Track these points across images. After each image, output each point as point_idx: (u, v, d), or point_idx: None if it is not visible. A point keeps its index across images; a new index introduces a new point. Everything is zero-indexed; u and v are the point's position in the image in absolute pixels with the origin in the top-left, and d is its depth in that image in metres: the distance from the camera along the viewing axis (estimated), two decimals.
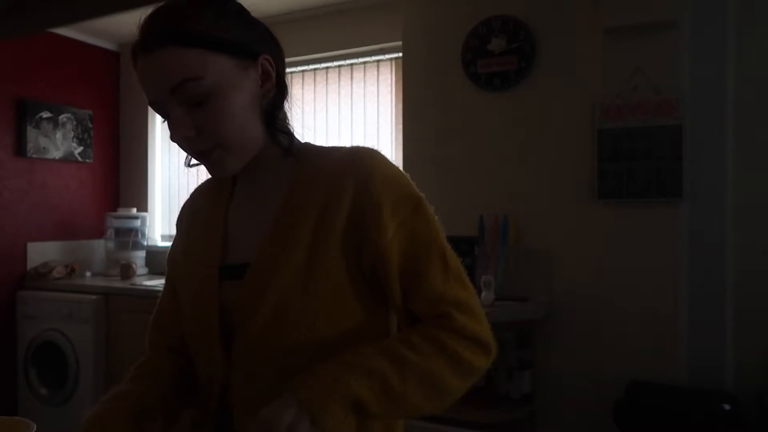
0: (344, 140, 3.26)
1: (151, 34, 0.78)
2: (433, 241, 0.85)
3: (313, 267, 0.82)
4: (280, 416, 0.72)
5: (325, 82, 3.34)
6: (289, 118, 0.94)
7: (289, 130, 0.90)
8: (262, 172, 0.90)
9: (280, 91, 0.88)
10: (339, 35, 3.22)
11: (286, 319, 0.83)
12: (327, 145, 0.93)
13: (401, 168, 0.89)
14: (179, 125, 0.80)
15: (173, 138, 0.82)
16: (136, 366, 0.98)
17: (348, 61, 3.25)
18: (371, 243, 0.82)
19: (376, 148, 0.88)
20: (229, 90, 0.80)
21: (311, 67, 3.36)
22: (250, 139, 0.84)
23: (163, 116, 0.83)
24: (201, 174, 0.91)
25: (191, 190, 1.06)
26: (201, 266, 0.91)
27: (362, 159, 0.85)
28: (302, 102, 3.39)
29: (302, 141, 0.94)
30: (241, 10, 0.86)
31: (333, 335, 0.84)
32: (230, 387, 0.88)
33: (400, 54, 2.92)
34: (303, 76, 3.40)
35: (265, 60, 0.85)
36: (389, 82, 3.14)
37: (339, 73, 3.30)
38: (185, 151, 0.85)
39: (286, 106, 0.93)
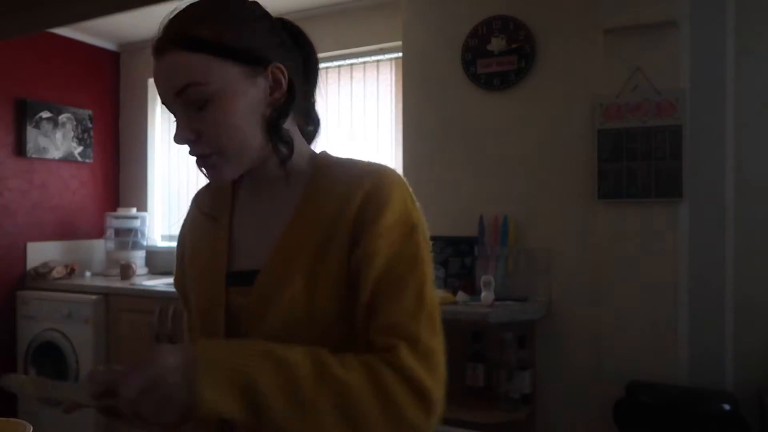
0: (344, 140, 3.26)
1: (163, 37, 0.80)
2: (417, 270, 0.81)
3: (317, 280, 0.82)
4: (165, 358, 0.71)
5: (325, 82, 3.34)
6: (319, 127, 0.96)
7: (290, 140, 0.87)
8: (272, 180, 0.90)
9: (288, 101, 0.86)
10: (339, 35, 3.22)
11: (293, 328, 0.82)
12: (345, 157, 0.91)
13: (402, 170, 0.89)
14: (181, 129, 0.81)
15: (175, 140, 0.83)
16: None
17: (348, 61, 3.26)
18: (357, 252, 0.81)
19: (393, 168, 0.87)
20: (232, 97, 0.80)
21: None
22: (249, 147, 0.83)
23: (174, 116, 0.85)
24: (205, 173, 0.91)
25: (191, 191, 1.06)
26: (208, 273, 0.91)
27: (375, 175, 0.84)
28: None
29: (318, 151, 0.93)
30: (263, 16, 0.85)
31: (339, 348, 0.81)
32: None
33: (400, 54, 2.92)
34: None
35: (277, 69, 0.83)
36: (389, 82, 3.14)
37: (339, 73, 3.30)
38: (190, 153, 0.86)
39: (319, 111, 0.94)
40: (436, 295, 0.83)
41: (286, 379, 0.71)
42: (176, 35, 0.79)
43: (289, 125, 0.88)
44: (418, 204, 0.86)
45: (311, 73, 0.92)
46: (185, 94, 0.79)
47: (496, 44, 2.61)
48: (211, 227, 0.94)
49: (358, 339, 0.81)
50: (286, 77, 0.84)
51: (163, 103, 0.83)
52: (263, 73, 0.82)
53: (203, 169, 0.85)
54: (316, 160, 0.90)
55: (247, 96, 0.81)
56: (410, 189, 0.86)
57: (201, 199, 1.01)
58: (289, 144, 0.87)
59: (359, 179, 0.83)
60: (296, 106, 0.87)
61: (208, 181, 0.96)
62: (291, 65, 0.86)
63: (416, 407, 0.73)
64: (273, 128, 0.85)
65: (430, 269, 0.83)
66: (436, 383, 0.76)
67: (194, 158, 0.86)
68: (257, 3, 0.86)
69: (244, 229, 0.92)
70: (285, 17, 0.96)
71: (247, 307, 0.85)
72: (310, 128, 0.95)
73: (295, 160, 0.88)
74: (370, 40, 3.13)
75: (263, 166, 0.88)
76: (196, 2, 0.82)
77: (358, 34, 3.16)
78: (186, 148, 0.84)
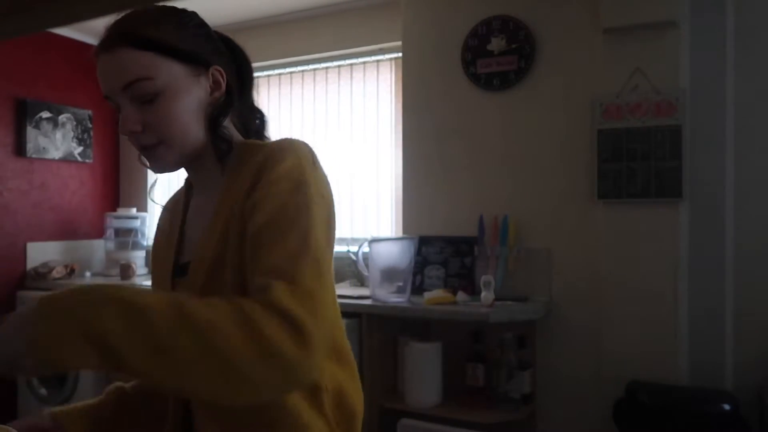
0: (344, 140, 3.26)
1: (112, 35, 0.86)
2: (301, 219, 0.78)
3: (226, 257, 0.85)
4: (19, 309, 0.70)
5: (325, 82, 3.34)
6: (266, 121, 1.02)
7: (229, 138, 0.93)
8: (208, 175, 0.95)
9: (227, 101, 0.93)
10: (339, 35, 3.22)
11: None
12: (262, 141, 0.97)
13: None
14: (128, 120, 0.87)
15: (121, 131, 0.88)
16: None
17: (348, 61, 3.25)
18: (249, 200, 0.82)
19: (306, 142, 0.88)
20: (177, 93, 0.87)
21: (311, 67, 3.36)
22: (192, 139, 0.90)
23: (116, 110, 0.89)
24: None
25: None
26: (161, 267, 0.99)
27: (278, 144, 0.88)
28: (302, 101, 3.39)
29: (247, 141, 0.97)
30: (201, 24, 0.93)
31: None
32: None
33: (400, 54, 2.92)
34: (303, 76, 3.40)
35: (216, 71, 0.91)
36: (389, 82, 3.14)
37: (339, 73, 3.30)
38: (132, 144, 0.90)
39: (264, 110, 1.02)
40: (326, 244, 0.81)
41: (135, 322, 0.66)
42: (125, 34, 0.85)
43: (227, 123, 0.94)
44: (322, 170, 0.87)
45: (246, 76, 1.00)
46: (133, 88, 0.85)
47: (496, 44, 2.61)
48: (169, 228, 1.03)
49: None
50: (225, 79, 0.92)
51: (105, 96, 0.88)
52: (205, 74, 0.90)
53: (149, 159, 0.91)
54: (240, 149, 0.94)
55: (190, 93, 0.89)
56: (315, 155, 0.88)
57: (170, 205, 1.09)
58: (227, 141, 0.93)
59: (263, 153, 0.86)
60: (234, 106, 0.95)
61: (151, 171, 1.06)
62: (228, 70, 0.94)
63: (288, 339, 0.68)
64: (213, 125, 0.91)
65: (321, 222, 0.81)
66: (315, 322, 0.71)
67: (139, 151, 0.92)
68: (195, 13, 0.94)
69: (190, 226, 0.99)
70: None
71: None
72: (257, 122, 1.02)
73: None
74: (370, 40, 3.13)
75: (202, 161, 0.94)
76: (142, 8, 0.89)
77: (358, 34, 3.16)
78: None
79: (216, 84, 0.92)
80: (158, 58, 0.85)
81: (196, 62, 0.89)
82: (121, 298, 0.68)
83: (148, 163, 0.92)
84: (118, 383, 1.03)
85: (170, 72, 0.86)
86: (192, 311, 0.68)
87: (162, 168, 0.92)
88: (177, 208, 1.04)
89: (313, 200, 0.81)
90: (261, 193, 0.82)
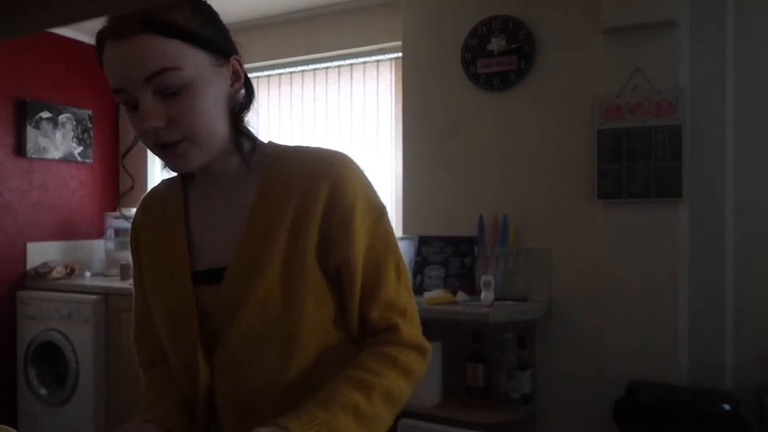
0: (344, 140, 3.26)
1: (126, 21, 0.76)
2: (390, 250, 0.90)
3: (291, 269, 0.84)
4: None
5: (325, 82, 3.34)
6: (255, 123, 0.94)
7: (253, 135, 0.91)
8: (226, 174, 0.90)
9: (248, 93, 0.89)
10: (339, 35, 3.22)
11: (270, 320, 0.84)
12: (294, 145, 0.93)
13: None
14: (150, 114, 0.78)
15: (140, 127, 0.80)
16: (144, 394, 0.98)
17: (348, 61, 3.25)
18: (339, 249, 0.86)
19: (346, 153, 0.91)
20: (204, 84, 0.81)
21: (311, 67, 3.36)
22: (217, 135, 0.84)
23: (126, 105, 0.81)
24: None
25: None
26: (173, 276, 0.90)
27: (334, 164, 0.87)
28: (302, 102, 3.39)
29: (265, 141, 0.94)
30: (214, 11, 0.88)
31: (315, 336, 0.87)
32: (215, 395, 0.88)
33: (400, 54, 2.92)
34: (303, 75, 3.40)
35: (236, 60, 0.87)
36: (389, 82, 3.14)
37: (339, 73, 3.30)
38: (146, 142, 0.83)
39: (253, 110, 0.94)
40: (404, 262, 0.94)
41: (355, 416, 0.81)
42: (147, 19, 0.76)
43: (247, 119, 0.90)
44: (372, 185, 0.92)
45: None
46: (158, 79, 0.77)
47: (496, 44, 2.61)
48: (166, 230, 0.93)
49: (347, 316, 0.90)
50: (243, 70, 0.88)
51: (117, 90, 0.80)
52: (226, 64, 0.85)
53: (168, 158, 0.84)
54: (267, 151, 0.91)
55: (215, 84, 0.83)
56: (363, 171, 0.91)
57: (151, 204, 1.00)
58: (251, 138, 0.90)
59: (318, 171, 0.86)
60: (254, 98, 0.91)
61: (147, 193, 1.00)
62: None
63: (420, 361, 0.90)
64: (238, 121, 0.87)
65: (397, 243, 0.93)
66: (420, 332, 0.92)
67: (154, 150, 0.84)
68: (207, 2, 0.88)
69: (201, 228, 0.92)
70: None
71: (220, 305, 0.86)
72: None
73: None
74: (370, 40, 3.13)
75: (221, 161, 0.88)
76: None
77: (358, 34, 3.16)
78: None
79: (236, 75, 0.87)
80: (185, 46, 0.78)
81: (219, 51, 0.83)
82: (341, 402, 0.81)
83: (169, 162, 0.85)
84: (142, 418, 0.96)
85: (196, 62, 0.80)
86: (375, 387, 0.83)
87: (185, 167, 0.85)
88: (172, 205, 0.95)
89: (390, 228, 0.92)
90: (347, 223, 0.85)
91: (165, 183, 1.00)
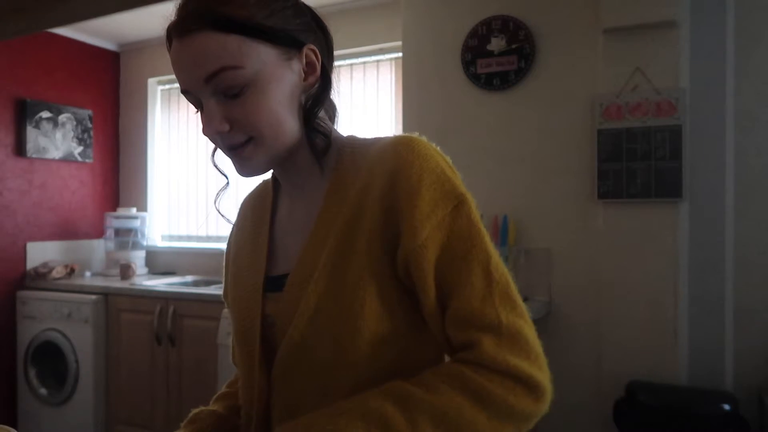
0: None
1: (187, 16, 0.71)
2: (475, 248, 0.72)
3: (345, 275, 0.73)
4: None
5: None
6: (338, 113, 0.87)
7: (326, 130, 0.81)
8: (303, 175, 0.83)
9: (323, 86, 0.79)
10: (339, 35, 3.20)
11: (323, 330, 0.74)
12: (369, 138, 0.83)
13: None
14: (213, 119, 0.73)
15: (205, 132, 0.75)
16: (227, 384, 0.97)
17: (348, 61, 3.25)
18: (403, 246, 0.71)
19: (414, 135, 0.77)
20: (269, 82, 0.73)
21: None
22: (285, 135, 0.76)
23: (195, 106, 0.77)
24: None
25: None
26: (247, 278, 0.85)
27: (398, 149, 0.74)
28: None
29: (344, 135, 0.85)
30: None
31: (380, 350, 0.74)
32: (270, 407, 0.81)
33: (400, 54, 2.92)
34: None
35: (311, 50, 0.78)
36: (389, 82, 3.14)
37: (339, 73, 3.29)
38: (216, 144, 0.79)
39: (336, 101, 0.86)
40: (503, 265, 0.73)
41: (379, 428, 0.65)
42: (205, 14, 0.70)
43: (321, 114, 0.81)
44: (449, 169, 0.76)
45: (331, 59, 0.86)
46: (218, 79, 0.71)
47: (496, 44, 2.61)
48: (252, 234, 0.89)
49: (429, 331, 0.74)
50: (320, 60, 0.79)
51: (184, 90, 0.75)
52: (297, 55, 0.76)
53: (235, 161, 0.78)
54: (341, 146, 0.82)
55: (283, 80, 0.75)
56: (444, 156, 0.77)
57: (243, 207, 0.96)
58: (326, 136, 0.81)
59: (377, 160, 0.75)
60: (331, 92, 0.81)
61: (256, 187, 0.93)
62: (320, 49, 0.80)
63: (521, 395, 0.68)
64: (309, 118, 0.78)
65: (488, 240, 0.74)
66: (533, 363, 0.70)
67: (224, 152, 0.79)
68: None
69: (281, 232, 0.86)
70: None
71: (279, 314, 0.79)
72: (329, 114, 0.88)
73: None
74: (370, 40, 3.13)
75: (294, 160, 0.81)
76: None
77: (358, 34, 3.16)
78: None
79: (310, 66, 0.78)
80: (246, 41, 0.71)
81: (288, 43, 0.75)
82: (360, 410, 0.66)
83: (236, 166, 0.78)
84: (201, 410, 0.92)
85: (260, 58, 0.72)
86: (419, 401, 0.66)
87: (250, 171, 0.78)
88: (262, 207, 0.90)
89: (476, 216, 0.75)
90: (410, 212, 0.70)
91: (261, 185, 0.95)
